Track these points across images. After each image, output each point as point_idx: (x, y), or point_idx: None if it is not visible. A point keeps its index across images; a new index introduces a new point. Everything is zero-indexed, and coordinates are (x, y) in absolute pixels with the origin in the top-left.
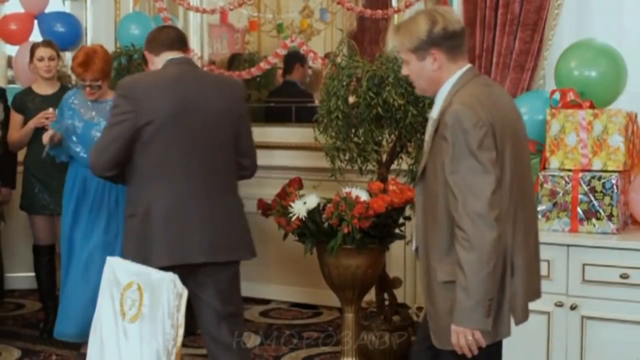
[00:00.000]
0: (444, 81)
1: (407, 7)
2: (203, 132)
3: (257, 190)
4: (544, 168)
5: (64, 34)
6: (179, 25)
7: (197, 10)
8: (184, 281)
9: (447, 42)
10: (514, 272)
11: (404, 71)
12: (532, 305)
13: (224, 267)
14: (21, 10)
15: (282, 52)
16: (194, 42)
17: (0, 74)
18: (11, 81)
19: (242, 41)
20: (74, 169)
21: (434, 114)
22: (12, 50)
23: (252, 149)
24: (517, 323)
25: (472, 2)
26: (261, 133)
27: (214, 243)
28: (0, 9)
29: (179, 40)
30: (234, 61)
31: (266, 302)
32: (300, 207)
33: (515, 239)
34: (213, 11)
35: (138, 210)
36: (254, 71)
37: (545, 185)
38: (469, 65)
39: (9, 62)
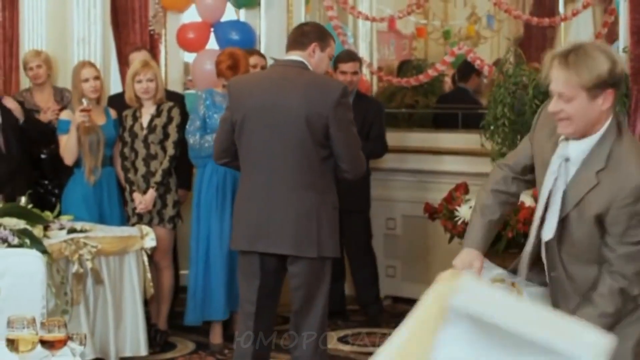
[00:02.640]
0: (600, 126)
1: (574, 15)
2: (276, 132)
3: (424, 194)
4: None
5: (239, 42)
6: (348, 32)
7: (366, 18)
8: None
9: (620, 86)
10: None
11: (557, 106)
12: None
13: (271, 258)
14: (198, 19)
15: (450, 59)
16: (362, 49)
17: (178, 80)
18: (187, 87)
19: (410, 47)
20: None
21: (596, 166)
22: (189, 57)
23: (349, 155)
24: None
25: (639, 12)
26: (428, 139)
27: (257, 233)
28: (179, 19)
29: (295, 41)
30: (403, 68)
31: None
32: (466, 211)
33: None
34: (382, 19)
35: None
36: (422, 78)
37: None
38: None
39: (186, 69)
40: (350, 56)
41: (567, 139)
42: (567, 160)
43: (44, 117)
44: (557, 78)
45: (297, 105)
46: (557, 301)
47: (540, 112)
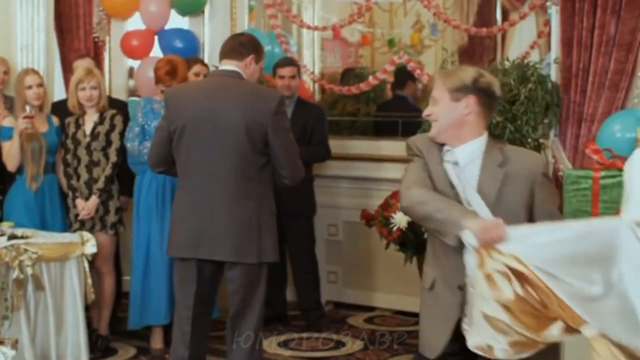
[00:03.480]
0: (472, 133)
1: (511, 25)
2: (216, 141)
3: (365, 201)
4: None
5: (183, 49)
6: (292, 40)
7: (308, 27)
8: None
9: (485, 97)
10: None
11: (429, 109)
12: None
13: (209, 264)
14: (142, 27)
15: (390, 68)
16: (306, 57)
17: (122, 87)
18: (133, 92)
19: (356, 55)
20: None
21: (495, 161)
22: (133, 64)
23: (288, 161)
24: None
25: (570, 24)
26: (370, 146)
27: (199, 241)
28: (123, 26)
29: (232, 50)
30: (345, 76)
31: (371, 309)
32: (401, 218)
33: None
34: (324, 28)
35: (173, 204)
36: (363, 86)
37: None
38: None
39: (130, 73)
40: (288, 61)
41: (449, 149)
42: (456, 164)
43: None
44: (433, 84)
45: (237, 114)
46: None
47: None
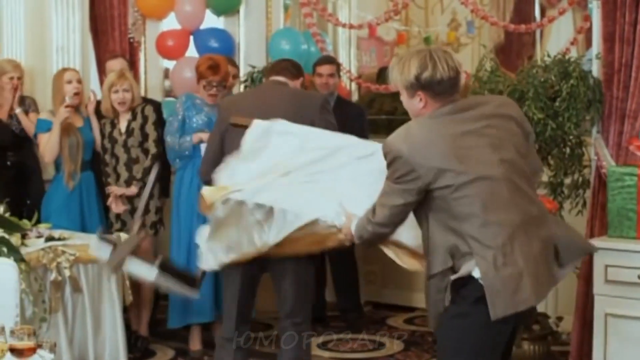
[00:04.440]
0: None
1: (550, 21)
2: None
3: None
4: None
5: (218, 49)
6: (328, 39)
7: (344, 25)
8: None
9: (432, 88)
10: None
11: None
12: None
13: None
14: (178, 27)
15: None
16: (342, 56)
17: (158, 87)
18: (168, 93)
19: (392, 54)
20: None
21: None
22: (168, 65)
23: None
24: None
25: (612, 18)
26: None
27: None
28: (158, 26)
29: (286, 69)
30: (382, 74)
31: (411, 309)
32: None
33: None
34: (360, 26)
35: None
36: None
37: None
38: (449, 105)
39: (166, 74)
40: (327, 59)
41: None
42: None
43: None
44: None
45: (285, 111)
46: None
47: None
